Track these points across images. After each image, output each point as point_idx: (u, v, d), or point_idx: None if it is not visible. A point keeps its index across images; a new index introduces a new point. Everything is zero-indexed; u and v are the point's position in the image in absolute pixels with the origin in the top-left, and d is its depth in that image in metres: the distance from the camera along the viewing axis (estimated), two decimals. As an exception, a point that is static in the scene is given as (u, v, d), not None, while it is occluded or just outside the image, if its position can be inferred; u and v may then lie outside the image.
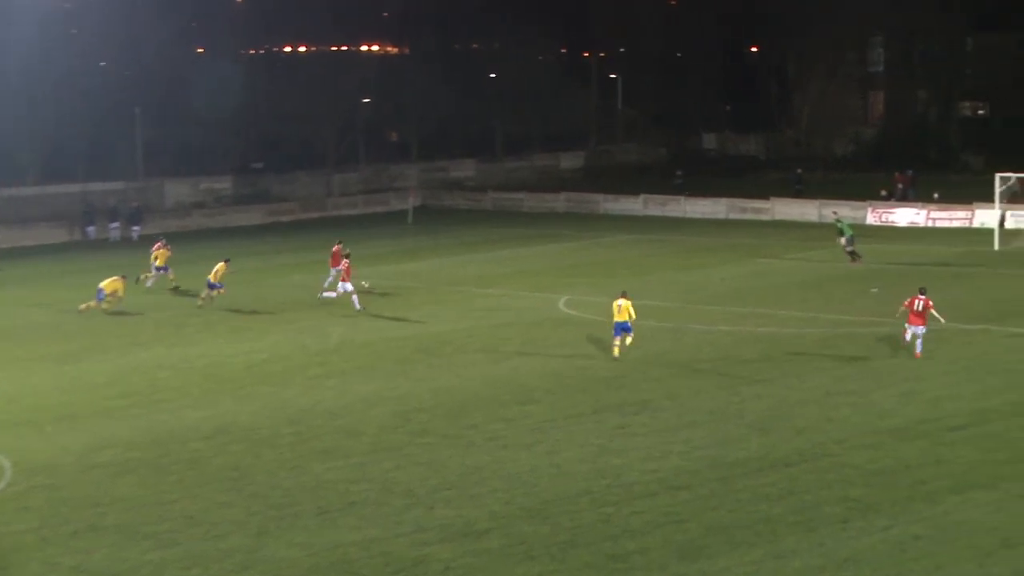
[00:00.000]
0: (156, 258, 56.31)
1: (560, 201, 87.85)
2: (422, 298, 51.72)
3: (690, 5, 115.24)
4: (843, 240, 56.69)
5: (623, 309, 39.00)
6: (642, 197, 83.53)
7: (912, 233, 67.33)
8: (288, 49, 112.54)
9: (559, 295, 51.17)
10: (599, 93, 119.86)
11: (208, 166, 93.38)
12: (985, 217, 66.58)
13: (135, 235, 77.61)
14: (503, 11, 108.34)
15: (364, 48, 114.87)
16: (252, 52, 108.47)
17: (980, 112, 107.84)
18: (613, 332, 39.18)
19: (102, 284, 49.85)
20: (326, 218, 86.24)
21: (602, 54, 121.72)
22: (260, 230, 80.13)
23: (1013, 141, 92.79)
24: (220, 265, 51.68)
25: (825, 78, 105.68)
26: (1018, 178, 62.80)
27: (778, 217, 75.53)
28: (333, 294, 50.27)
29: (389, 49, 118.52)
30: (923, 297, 38.46)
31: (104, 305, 49.71)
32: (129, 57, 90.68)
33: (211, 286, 51.34)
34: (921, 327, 38.06)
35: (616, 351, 38.95)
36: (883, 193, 77.15)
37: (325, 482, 27.96)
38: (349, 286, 49.24)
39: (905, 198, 75.58)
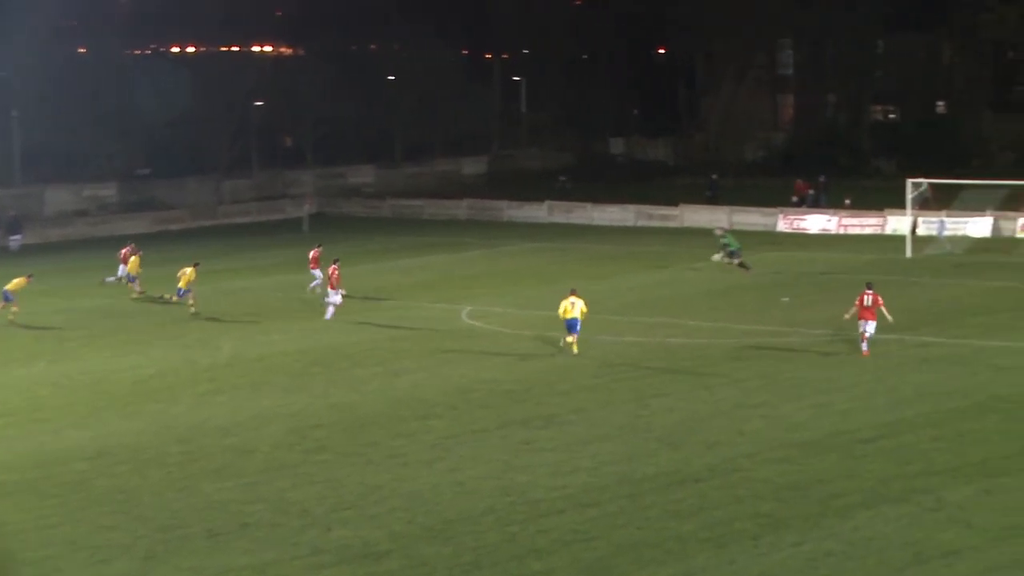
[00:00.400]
0: (132, 266, 56.11)
1: (462, 208, 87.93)
2: (318, 310, 51.44)
3: (595, 5, 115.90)
4: (722, 255, 56.81)
5: (574, 307, 40.82)
6: (547, 204, 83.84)
7: (824, 240, 68.21)
8: (176, 49, 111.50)
9: (461, 305, 51.21)
10: (502, 96, 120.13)
11: (91, 172, 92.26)
12: (897, 224, 67.65)
13: (14, 245, 76.48)
14: (402, 11, 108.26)
15: (256, 49, 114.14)
16: (137, 52, 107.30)
17: (891, 116, 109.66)
18: (567, 328, 40.93)
19: (7, 286, 49.57)
20: (217, 226, 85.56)
21: (505, 55, 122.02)
22: (147, 239, 79.09)
23: (924, 145, 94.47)
24: (189, 270, 51.44)
25: (734, 81, 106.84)
26: (929, 184, 63.85)
27: (687, 224, 76.18)
28: (337, 299, 49.29)
29: (283, 50, 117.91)
30: (871, 292, 39.98)
31: (13, 309, 49.34)
32: (3, 56, 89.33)
33: (180, 293, 51.30)
34: (872, 323, 39.52)
35: (575, 348, 40.66)
36: (794, 199, 78.16)
37: (216, 503, 27.73)
38: (338, 298, 48.96)
39: (817, 204, 76.56)
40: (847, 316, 40.79)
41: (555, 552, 24.31)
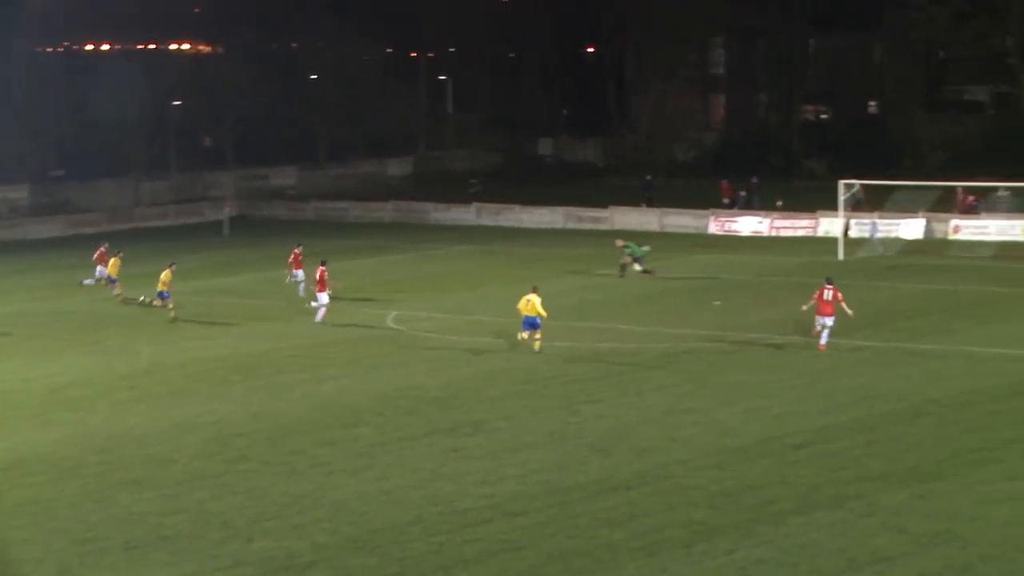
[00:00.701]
0: (112, 267, 55.64)
1: (387, 210, 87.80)
2: (240, 315, 51.24)
3: (523, 4, 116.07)
4: (629, 261, 56.95)
5: (531, 304, 41.72)
6: (474, 206, 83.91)
7: (755, 242, 68.71)
8: (90, 47, 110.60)
9: (387, 310, 51.14)
10: (428, 96, 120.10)
11: (1, 174, 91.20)
12: (829, 225, 68.29)
13: None
14: (324, 8, 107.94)
15: (174, 46, 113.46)
16: (49, 50, 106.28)
17: (823, 116, 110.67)
18: (522, 326, 41.88)
19: None
20: (134, 230, 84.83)
21: (431, 54, 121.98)
22: (61, 243, 78.56)
23: (856, 146, 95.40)
24: (165, 272, 51.26)
25: (664, 80, 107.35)
26: (862, 185, 64.52)
27: (617, 226, 76.40)
28: (325, 300, 49.07)
29: (201, 48, 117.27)
30: (831, 287, 41.29)
31: None
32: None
33: (163, 296, 51.18)
34: (830, 318, 40.90)
35: (536, 345, 41.72)
36: (725, 201, 78.72)
37: (134, 514, 27.53)
38: (325, 298, 48.88)
39: (750, 206, 77.15)
40: (804, 308, 41.86)
41: (483, 562, 24.34)
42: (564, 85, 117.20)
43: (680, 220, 75.70)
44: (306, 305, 50.97)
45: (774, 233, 71.58)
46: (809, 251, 63.90)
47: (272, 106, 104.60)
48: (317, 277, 49.24)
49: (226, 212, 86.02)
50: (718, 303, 50.52)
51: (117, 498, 28.68)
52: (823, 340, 40.84)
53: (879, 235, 64.46)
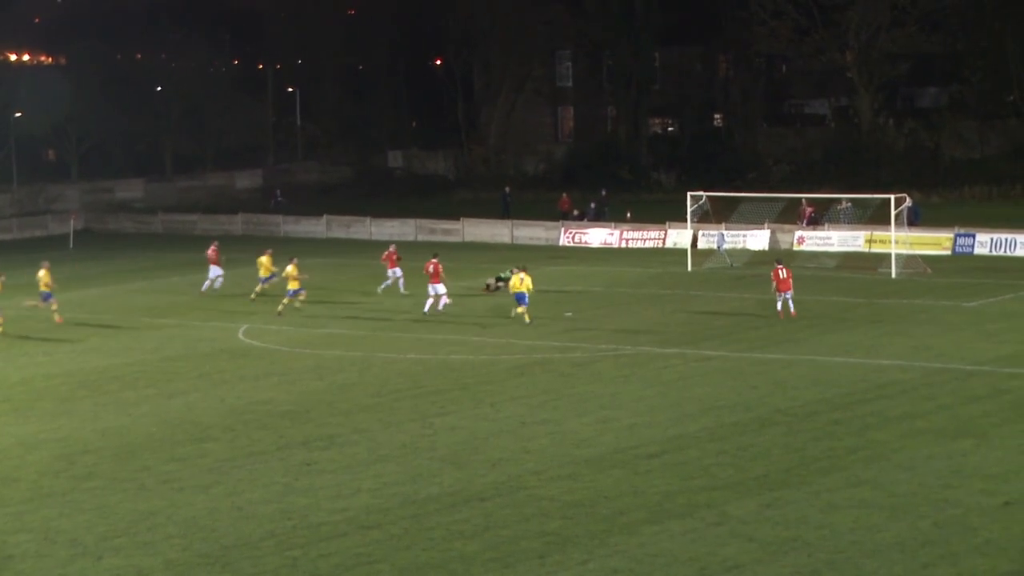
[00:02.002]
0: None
1: (237, 223, 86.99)
2: (86, 330, 50.34)
3: (370, 15, 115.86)
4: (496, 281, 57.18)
5: (523, 282, 47.90)
6: (325, 218, 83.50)
7: (606, 254, 69.34)
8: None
9: (238, 324, 50.64)
10: (277, 108, 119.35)
11: None
12: (677, 237, 69.20)
13: None
14: (169, 19, 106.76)
15: (13, 57, 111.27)
16: None
17: (670, 129, 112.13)
18: (516, 300, 48.37)
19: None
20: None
21: (278, 66, 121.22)
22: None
23: (702, 158, 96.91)
24: (42, 272, 51.13)
25: (513, 93, 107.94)
26: (708, 197, 65.47)
27: (468, 239, 76.70)
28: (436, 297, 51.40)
29: (42, 59, 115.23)
30: (782, 266, 48.80)
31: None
32: None
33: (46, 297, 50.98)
34: (789, 292, 48.21)
35: (527, 317, 47.72)
36: (575, 213, 79.37)
37: (-21, 536, 26.91)
38: (441, 288, 51.44)
39: (600, 217, 77.82)
40: (773, 291, 48.33)
41: (338, 577, 24.22)
42: (413, 97, 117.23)
43: (531, 232, 76.18)
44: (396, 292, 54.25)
45: (624, 245, 72.33)
46: (659, 262, 64.67)
47: (117, 118, 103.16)
48: (431, 270, 51.27)
49: (71, 225, 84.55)
50: (569, 314, 50.86)
51: (-40, 519, 27.98)
52: (791, 308, 48.00)
53: (726, 246, 65.44)
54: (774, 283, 48.36)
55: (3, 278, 54.10)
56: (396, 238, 78.05)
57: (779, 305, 48.27)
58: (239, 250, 75.20)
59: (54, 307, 50.55)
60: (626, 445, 32.03)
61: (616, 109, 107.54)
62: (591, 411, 35.47)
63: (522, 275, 48.33)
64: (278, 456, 32.05)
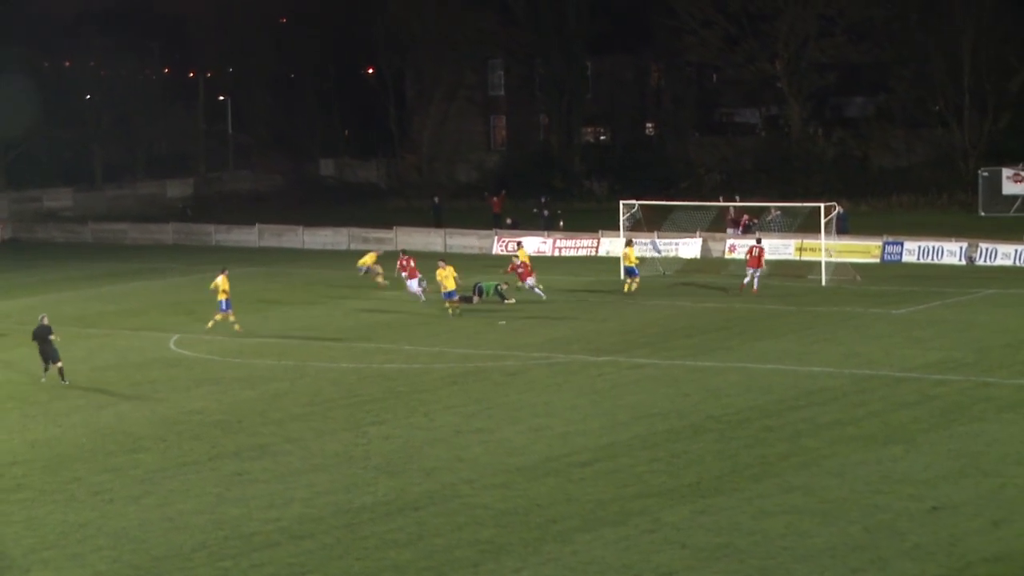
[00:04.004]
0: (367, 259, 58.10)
1: (167, 232, 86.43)
2: (13, 340, 49.77)
3: (301, 23, 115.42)
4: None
5: (448, 278, 51.52)
6: (257, 227, 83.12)
7: (539, 262, 69.33)
8: None
9: (169, 334, 50.29)
10: (207, 116, 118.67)
11: None
12: (611, 245, 69.37)
13: None
14: (98, 26, 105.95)
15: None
16: None
17: (603, 138, 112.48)
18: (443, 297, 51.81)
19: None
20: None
21: (209, 74, 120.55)
22: None
23: (635, 167, 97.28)
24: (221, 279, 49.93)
25: (445, 101, 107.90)
26: (641, 205, 65.69)
27: (402, 246, 76.44)
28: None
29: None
30: (759, 246, 55.80)
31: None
32: None
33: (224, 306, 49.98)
34: (760, 269, 54.81)
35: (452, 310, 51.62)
36: (508, 221, 79.39)
37: (-95, 549, 26.55)
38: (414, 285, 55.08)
39: (551, 226, 77.54)
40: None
41: (271, 587, 24.09)
42: (345, 106, 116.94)
43: (465, 240, 76.18)
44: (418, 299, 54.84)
45: (557, 253, 72.43)
46: (592, 271, 64.81)
47: (45, 126, 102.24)
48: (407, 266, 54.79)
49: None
50: (503, 323, 50.88)
51: None
52: (755, 286, 54.35)
53: (659, 254, 65.67)
54: (747, 258, 55.27)
55: None
56: (329, 247, 78.02)
57: (746, 280, 54.91)
58: (170, 259, 74.77)
59: (232, 317, 49.68)
60: (559, 453, 32.07)
61: (548, 118, 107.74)
62: (524, 419, 35.50)
63: (446, 269, 51.56)
64: (210, 466, 31.85)
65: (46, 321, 42.37)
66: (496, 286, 55.74)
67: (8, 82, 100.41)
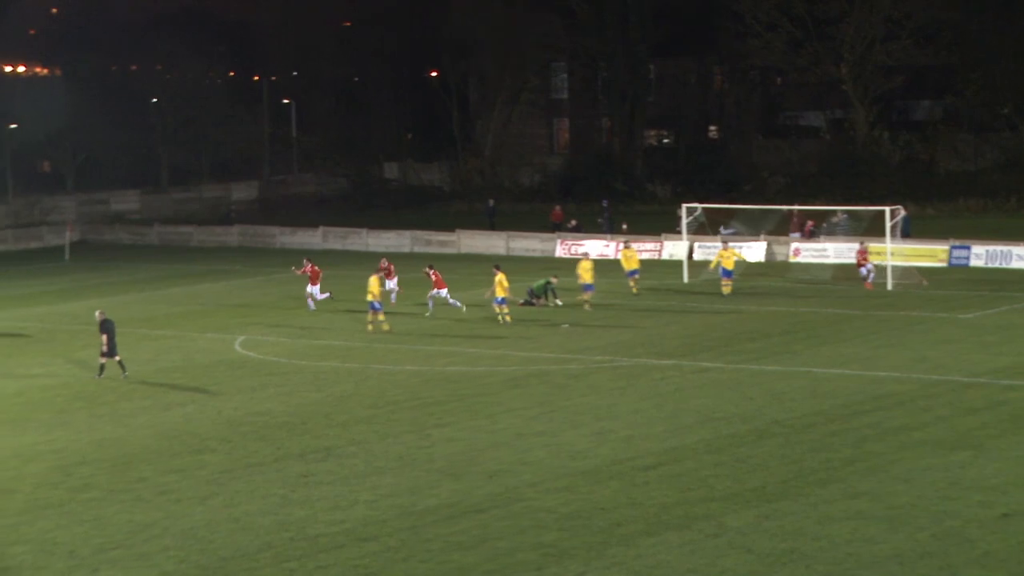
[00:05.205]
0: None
1: (232, 235, 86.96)
2: (82, 341, 50.24)
3: (366, 27, 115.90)
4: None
5: (499, 285, 50.77)
6: (321, 230, 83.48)
7: (602, 266, 69.14)
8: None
9: (234, 335, 50.58)
10: (272, 119, 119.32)
11: None
12: (674, 249, 69.16)
13: None
14: (164, 31, 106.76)
15: (9, 69, 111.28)
16: None
17: (665, 140, 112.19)
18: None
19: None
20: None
21: (273, 78, 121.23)
22: None
23: (698, 170, 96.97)
24: (373, 279, 50.72)
25: (508, 105, 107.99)
26: (704, 208, 65.45)
27: (464, 250, 76.68)
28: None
29: (38, 70, 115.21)
30: (863, 247, 57.86)
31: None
32: None
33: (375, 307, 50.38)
34: (870, 264, 57.44)
35: (507, 318, 50.87)
36: (572, 224, 79.33)
37: (-25, 547, 26.85)
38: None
39: (611, 229, 77.55)
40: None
41: (336, 589, 24.16)
42: (409, 109, 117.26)
43: (527, 243, 76.19)
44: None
45: (620, 256, 72.12)
46: (655, 274, 64.55)
47: (113, 129, 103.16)
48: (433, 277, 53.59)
49: (67, 237, 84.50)
50: (566, 326, 50.82)
51: (-44, 530, 27.93)
52: (868, 281, 56.96)
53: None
54: (857, 258, 57.75)
55: None
56: (392, 250, 78.17)
57: (869, 277, 57.41)
58: (235, 262, 75.23)
59: (381, 317, 50.20)
60: (623, 457, 31.98)
61: (611, 121, 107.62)
62: (587, 423, 35.43)
63: (499, 275, 50.82)
64: (275, 468, 31.99)
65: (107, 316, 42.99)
66: (546, 283, 55.80)
67: (78, 86, 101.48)
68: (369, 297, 50.19)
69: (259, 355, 46.73)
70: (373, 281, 50.45)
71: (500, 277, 51.51)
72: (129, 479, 31.38)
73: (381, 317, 50.30)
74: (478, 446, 33.44)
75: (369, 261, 73.99)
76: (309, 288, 56.26)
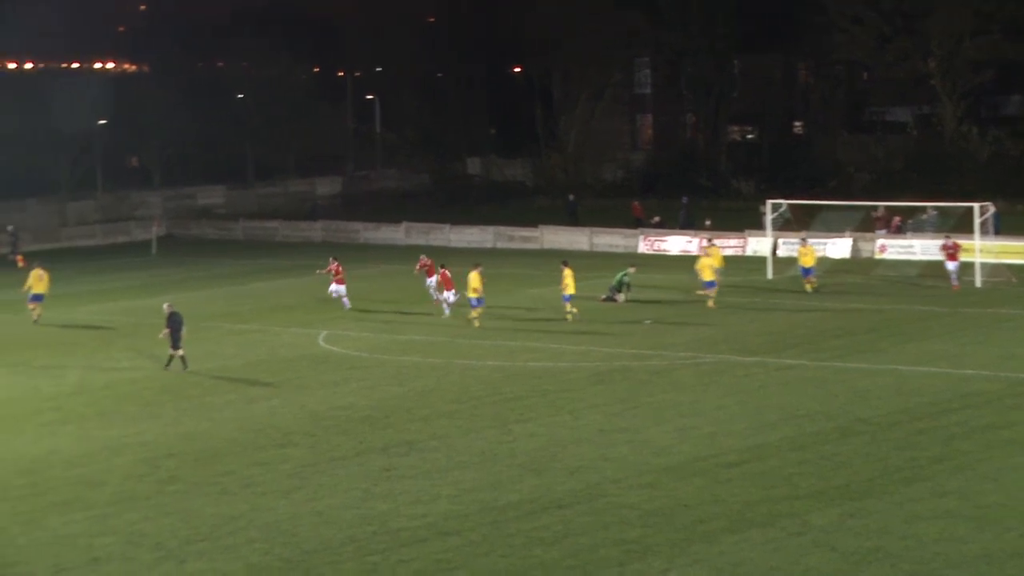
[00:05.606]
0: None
1: (316, 230, 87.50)
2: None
3: (449, 22, 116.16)
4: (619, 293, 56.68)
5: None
6: (404, 225, 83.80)
7: (685, 261, 68.91)
8: (13, 66, 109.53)
9: (318, 330, 50.92)
10: (356, 115, 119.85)
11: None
12: (757, 245, 68.75)
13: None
14: (249, 27, 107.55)
15: (99, 66, 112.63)
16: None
17: (749, 136, 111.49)
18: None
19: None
20: (61, 250, 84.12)
21: (357, 74, 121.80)
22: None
23: (782, 166, 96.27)
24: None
25: (591, 100, 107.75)
26: (789, 205, 65.00)
27: (547, 246, 76.64)
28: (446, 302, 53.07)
29: (127, 67, 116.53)
30: (951, 240, 56.78)
31: None
32: None
33: (474, 303, 50.49)
34: (955, 262, 55.90)
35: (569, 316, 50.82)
36: (655, 220, 79.06)
37: (63, 537, 27.21)
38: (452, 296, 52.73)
39: (688, 225, 77.25)
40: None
41: (418, 582, 24.27)
42: (492, 104, 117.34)
43: (610, 239, 76.03)
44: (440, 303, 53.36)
45: (703, 253, 71.76)
46: (738, 270, 64.18)
47: (199, 125, 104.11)
48: (439, 279, 53.13)
49: (154, 232, 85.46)
50: (648, 322, 50.69)
51: (45, 521, 28.33)
52: (954, 281, 55.72)
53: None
54: (944, 254, 56.36)
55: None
56: (475, 245, 78.35)
57: (950, 268, 56.13)
58: (319, 257, 75.70)
59: (478, 312, 50.54)
60: (706, 453, 31.87)
61: (695, 116, 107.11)
62: (670, 419, 35.34)
63: (567, 270, 50.65)
64: (357, 462, 32.19)
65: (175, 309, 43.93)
66: (623, 275, 55.71)
67: (164, 82, 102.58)
68: (471, 293, 50.25)
69: (342, 350, 47.01)
70: (474, 277, 50.48)
71: (567, 273, 51.21)
72: (214, 472, 31.69)
73: (479, 312, 50.31)
74: (560, 441, 33.45)
75: (451, 257, 74.16)
76: (334, 287, 55.82)
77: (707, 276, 53.89)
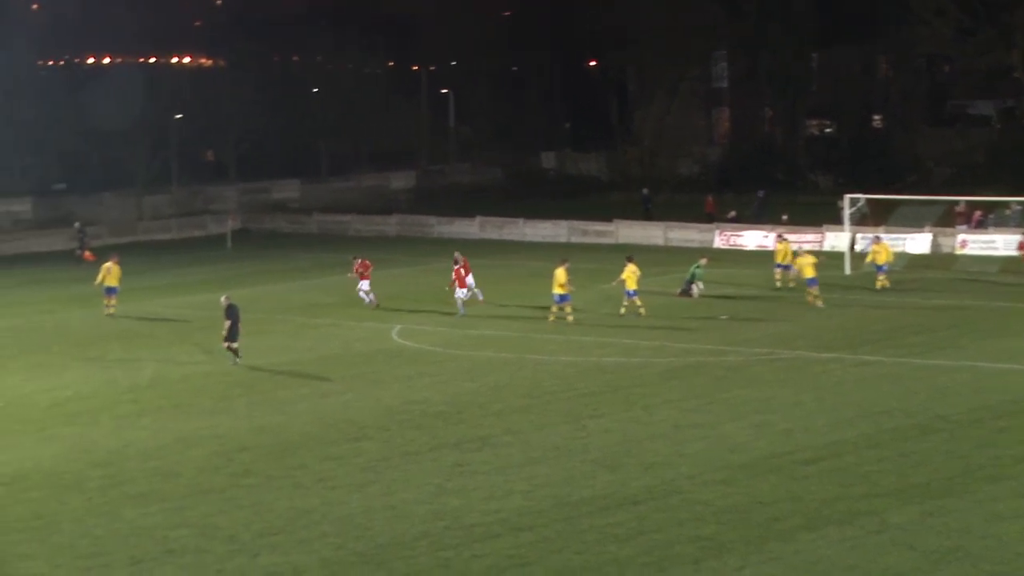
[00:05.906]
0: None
1: (391, 224, 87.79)
2: (243, 329, 51.02)
3: (524, 17, 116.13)
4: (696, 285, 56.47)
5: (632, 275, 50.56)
6: (478, 219, 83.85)
7: (762, 256, 68.49)
8: (91, 60, 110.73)
9: (391, 324, 51.05)
10: (430, 109, 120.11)
11: (5, 187, 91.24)
12: (835, 240, 68.17)
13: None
14: (324, 21, 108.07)
15: (175, 60, 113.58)
16: (51, 63, 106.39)
17: (827, 130, 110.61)
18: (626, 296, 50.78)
19: None
20: (137, 243, 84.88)
21: (432, 68, 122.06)
22: (64, 256, 78.46)
23: (861, 160, 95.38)
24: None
25: (667, 94, 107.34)
26: (867, 199, 64.40)
27: (622, 240, 76.39)
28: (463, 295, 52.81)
29: (203, 61, 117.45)
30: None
31: None
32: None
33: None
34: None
35: (642, 311, 50.14)
36: (731, 215, 78.64)
37: (139, 529, 27.45)
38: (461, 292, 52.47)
39: (759, 220, 76.85)
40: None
41: (491, 578, 24.25)
42: (567, 98, 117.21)
43: (685, 234, 75.69)
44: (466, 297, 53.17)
45: (776, 247, 71.27)
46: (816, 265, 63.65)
47: (274, 119, 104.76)
48: (454, 276, 52.62)
49: (229, 225, 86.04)
50: (724, 317, 50.43)
51: (121, 512, 28.59)
52: None
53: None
54: (1020, 253, 58.62)
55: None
56: (549, 239, 78.26)
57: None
58: (393, 251, 75.93)
59: (568, 309, 50.39)
60: (782, 450, 31.64)
61: (772, 110, 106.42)
62: (746, 415, 35.11)
63: (631, 266, 50.51)
64: (431, 456, 32.23)
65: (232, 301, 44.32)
66: (694, 269, 55.47)
67: (240, 77, 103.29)
68: (556, 289, 50.17)
69: (415, 344, 47.12)
70: (560, 273, 50.36)
71: (631, 268, 50.99)
72: (288, 465, 31.85)
73: (568, 309, 50.27)
74: (634, 437, 33.33)
75: (527, 251, 74.25)
76: (362, 284, 55.47)
77: (808, 273, 53.08)
